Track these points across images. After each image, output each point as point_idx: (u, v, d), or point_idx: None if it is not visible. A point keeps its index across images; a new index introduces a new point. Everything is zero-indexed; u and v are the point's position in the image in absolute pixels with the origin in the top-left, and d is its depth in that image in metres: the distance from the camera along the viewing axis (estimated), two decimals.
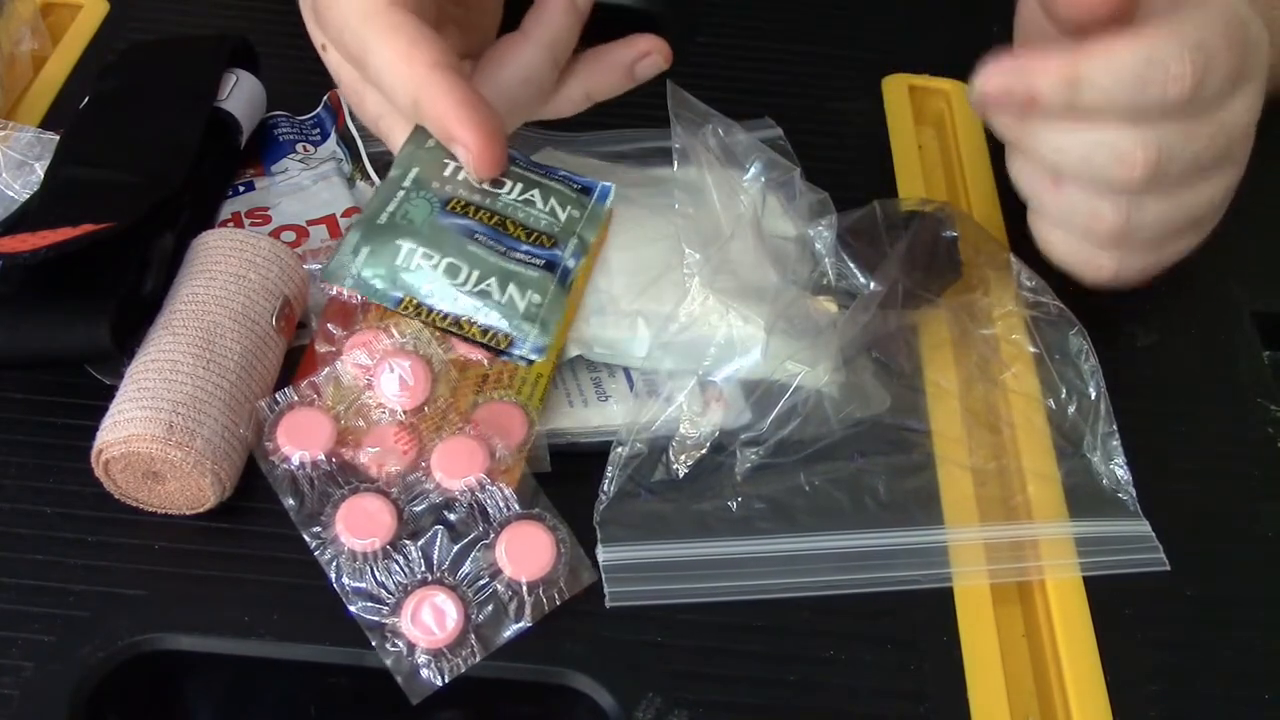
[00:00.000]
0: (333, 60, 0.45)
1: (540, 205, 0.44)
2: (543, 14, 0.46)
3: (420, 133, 0.44)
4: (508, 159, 0.44)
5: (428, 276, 0.41)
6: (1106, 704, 0.42)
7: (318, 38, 0.46)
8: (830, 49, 0.66)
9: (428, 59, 0.41)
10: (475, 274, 0.41)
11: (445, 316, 0.41)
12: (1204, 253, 0.58)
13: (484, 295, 0.41)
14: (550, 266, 0.43)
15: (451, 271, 0.41)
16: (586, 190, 0.46)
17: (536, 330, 0.41)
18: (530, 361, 0.40)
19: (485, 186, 0.44)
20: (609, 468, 0.45)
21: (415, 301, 0.41)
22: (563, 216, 0.44)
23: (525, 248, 0.43)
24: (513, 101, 0.46)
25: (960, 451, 0.48)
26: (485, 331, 0.40)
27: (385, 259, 0.41)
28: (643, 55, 0.47)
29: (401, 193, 0.43)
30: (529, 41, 0.46)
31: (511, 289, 0.41)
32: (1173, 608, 0.45)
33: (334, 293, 0.42)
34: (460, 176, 0.44)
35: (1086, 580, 0.45)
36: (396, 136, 0.45)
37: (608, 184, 0.46)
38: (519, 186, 0.44)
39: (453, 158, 0.43)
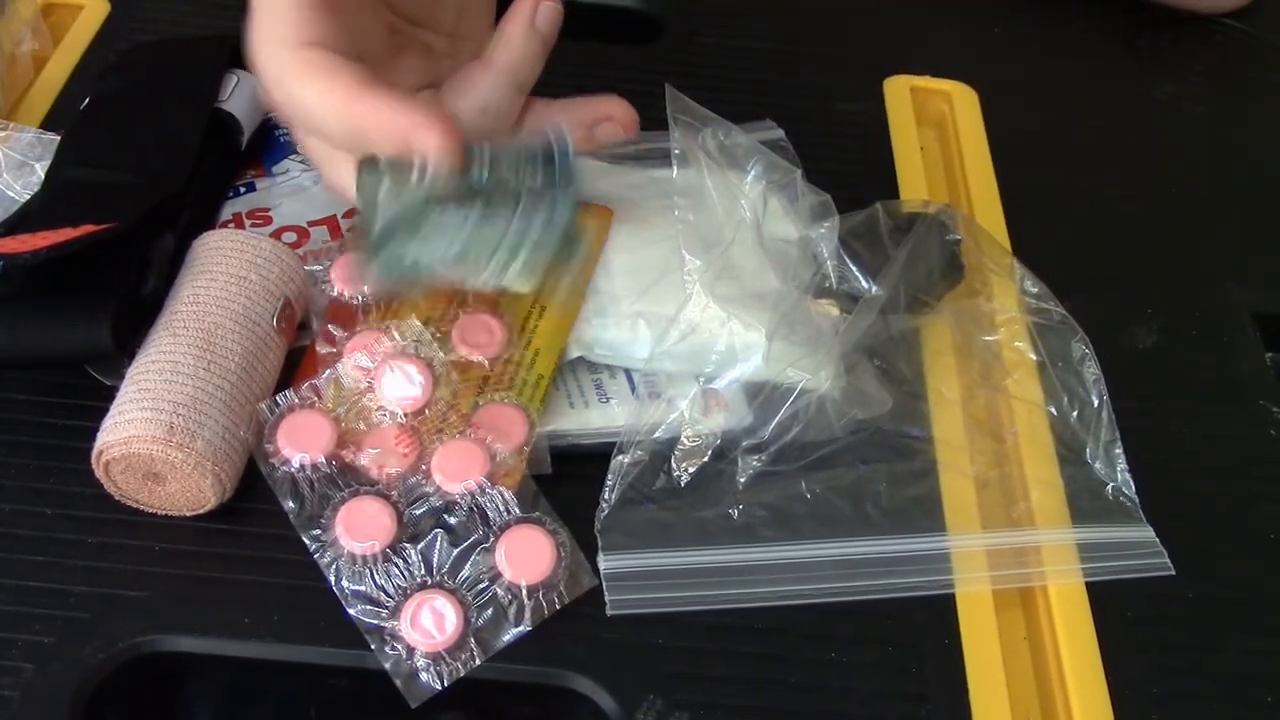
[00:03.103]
0: (282, 118, 0.45)
1: (514, 177, 0.43)
2: (503, 40, 0.45)
3: (367, 165, 0.42)
4: (466, 147, 0.43)
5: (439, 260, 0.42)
6: (1108, 706, 0.42)
7: None
8: (831, 50, 0.66)
9: (349, 82, 0.40)
10: (478, 252, 0.42)
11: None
12: (1205, 254, 0.58)
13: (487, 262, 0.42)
14: (543, 218, 0.43)
15: (460, 257, 0.42)
16: (547, 149, 0.45)
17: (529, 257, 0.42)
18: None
19: (454, 178, 0.43)
20: (610, 475, 0.45)
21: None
22: (540, 178, 0.44)
23: (514, 214, 0.42)
24: (472, 131, 0.45)
25: (962, 458, 0.48)
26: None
27: (399, 257, 0.42)
28: (605, 118, 0.46)
29: (380, 211, 0.42)
30: (489, 69, 0.45)
31: (509, 249, 0.42)
32: (1174, 610, 0.45)
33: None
34: (426, 180, 0.43)
35: (1088, 583, 0.45)
36: (345, 178, 0.43)
37: (563, 136, 0.45)
38: (486, 168, 0.44)
39: (409, 169, 0.42)
